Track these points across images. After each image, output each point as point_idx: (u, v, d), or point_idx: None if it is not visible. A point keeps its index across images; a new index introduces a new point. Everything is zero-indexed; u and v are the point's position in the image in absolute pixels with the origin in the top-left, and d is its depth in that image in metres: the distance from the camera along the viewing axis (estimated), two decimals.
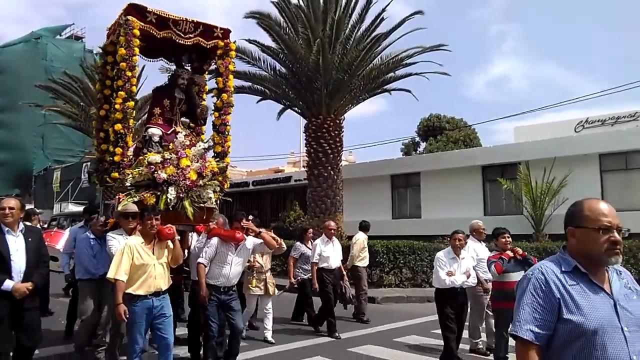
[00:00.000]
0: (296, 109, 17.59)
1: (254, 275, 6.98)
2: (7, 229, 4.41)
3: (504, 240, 5.82)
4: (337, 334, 7.21)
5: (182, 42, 6.25)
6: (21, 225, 4.56)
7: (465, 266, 5.92)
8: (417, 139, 39.01)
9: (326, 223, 8.09)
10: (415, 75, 16.08)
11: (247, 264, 6.52)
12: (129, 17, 5.82)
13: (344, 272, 8.16)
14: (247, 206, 24.13)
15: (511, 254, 5.67)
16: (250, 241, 5.63)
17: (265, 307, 7.06)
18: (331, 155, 15.98)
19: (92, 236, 5.81)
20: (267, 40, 15.78)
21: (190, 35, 6.26)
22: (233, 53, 6.74)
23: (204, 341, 5.54)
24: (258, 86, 17.02)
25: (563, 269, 1.98)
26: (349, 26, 15.38)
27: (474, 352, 6.43)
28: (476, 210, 17.47)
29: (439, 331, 6.05)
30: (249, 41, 15.33)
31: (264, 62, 16.22)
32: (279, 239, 5.93)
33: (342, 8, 15.18)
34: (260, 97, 17.73)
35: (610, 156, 15.16)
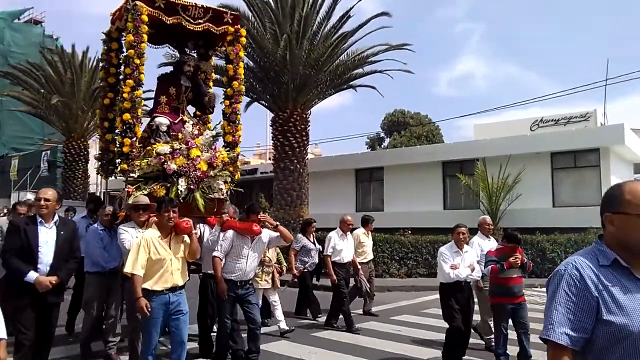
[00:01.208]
0: (263, 102, 17.77)
1: (263, 268, 6.86)
2: (40, 219, 4.31)
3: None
4: (355, 328, 7.15)
5: (192, 28, 6.02)
6: (56, 217, 4.45)
7: (469, 260, 5.80)
8: (382, 133, 39.75)
9: (345, 217, 7.85)
10: (383, 71, 16.53)
11: None
12: (137, 2, 5.60)
13: (359, 267, 8.01)
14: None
15: (516, 261, 5.48)
16: (266, 234, 5.40)
17: (273, 300, 6.98)
18: (297, 149, 16.27)
19: (100, 228, 5.54)
20: None
21: (199, 20, 6.04)
22: (244, 39, 6.52)
23: (218, 339, 5.37)
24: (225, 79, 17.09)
25: (601, 263, 1.73)
26: (316, 22, 15.66)
27: (489, 350, 6.22)
28: (436, 204, 18.19)
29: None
30: None
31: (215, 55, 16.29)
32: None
33: (309, 4, 15.43)
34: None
35: (561, 154, 16.05)
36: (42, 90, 22.58)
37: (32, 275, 4.17)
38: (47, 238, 4.31)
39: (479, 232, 6.88)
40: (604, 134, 15.85)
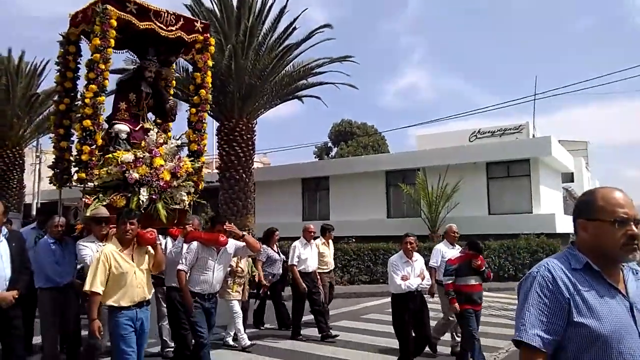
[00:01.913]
0: (208, 111, 17.69)
1: (234, 279, 6.71)
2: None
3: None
4: (328, 333, 7.16)
5: (164, 34, 5.89)
6: (4, 230, 4.26)
7: (419, 268, 5.76)
8: (330, 143, 40.27)
9: (306, 226, 7.80)
10: (327, 83, 16.90)
11: (228, 268, 6.27)
12: (107, 6, 5.39)
13: (318, 277, 7.83)
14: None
15: (478, 263, 5.59)
16: (232, 244, 5.19)
17: (235, 312, 6.77)
18: (243, 158, 16.28)
19: (51, 240, 5.17)
20: None
21: (171, 27, 5.94)
22: (212, 48, 6.46)
23: (195, 349, 5.08)
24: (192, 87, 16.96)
25: (572, 266, 1.73)
26: (262, 33, 15.79)
27: (455, 355, 6.19)
28: (380, 212, 18.67)
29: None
30: None
31: (175, 63, 16.17)
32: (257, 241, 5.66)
33: (255, 15, 15.56)
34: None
35: (496, 165, 16.92)
36: None
37: None
38: (0, 252, 4.15)
39: (444, 239, 6.95)
40: (533, 146, 16.85)
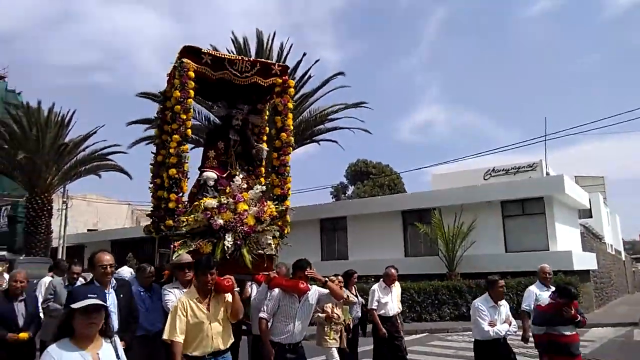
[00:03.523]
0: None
1: (332, 326, 6.45)
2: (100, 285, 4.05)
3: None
4: None
5: (238, 82, 5.96)
6: (113, 281, 4.37)
7: (505, 313, 5.46)
8: (346, 182, 40.86)
9: (389, 271, 7.50)
10: (346, 122, 17.64)
11: (323, 314, 6.26)
12: (184, 60, 5.66)
13: (400, 322, 7.59)
14: None
15: (572, 312, 5.20)
16: (315, 292, 4.96)
17: None
18: None
19: (141, 289, 5.16)
20: None
21: (246, 74, 5.99)
22: (292, 90, 6.44)
23: None
24: (193, 135, 17.87)
25: None
26: None
27: None
28: (398, 251, 18.91)
29: None
30: None
31: (199, 113, 17.22)
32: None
33: None
34: (193, 145, 18.55)
35: (510, 203, 17.19)
36: (6, 146, 22.64)
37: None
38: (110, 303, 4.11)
39: (537, 281, 6.48)
40: (547, 184, 17.13)
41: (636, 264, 56.03)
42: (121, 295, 4.23)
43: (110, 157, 24.62)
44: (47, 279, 7.80)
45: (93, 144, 24.28)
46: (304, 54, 16.47)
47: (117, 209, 38.21)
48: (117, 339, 2.79)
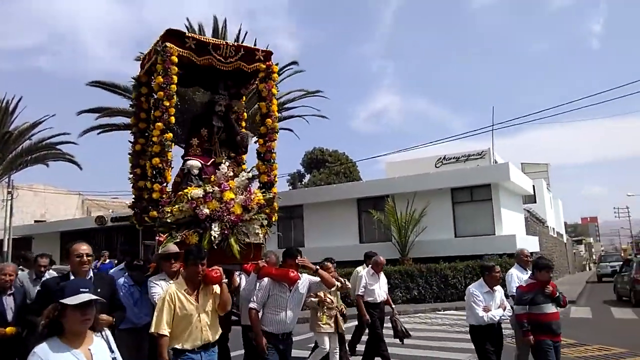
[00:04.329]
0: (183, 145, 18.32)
1: (325, 311, 6.43)
2: (73, 278, 3.88)
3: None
4: None
5: (222, 67, 5.79)
6: (90, 273, 4.08)
7: (499, 298, 5.48)
8: (302, 170, 41.10)
9: (378, 259, 7.48)
10: (302, 110, 17.82)
11: (316, 299, 6.23)
12: (167, 44, 5.41)
13: (393, 306, 7.64)
14: (134, 240, 23.83)
15: (551, 289, 5.22)
16: (306, 280, 4.87)
17: (334, 348, 6.39)
18: None
19: (131, 282, 5.00)
20: None
21: (230, 59, 5.83)
22: (276, 76, 6.27)
23: None
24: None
25: None
26: None
27: None
28: (353, 238, 19.39)
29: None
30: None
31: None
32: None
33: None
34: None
35: (460, 190, 17.92)
36: None
37: None
38: None
39: (515, 264, 6.55)
40: (493, 172, 17.96)
41: (577, 246, 59.41)
42: (99, 290, 3.92)
43: (59, 146, 23.82)
44: None
45: (39, 132, 23.44)
46: (255, 42, 16.40)
47: (67, 199, 37.00)
48: (107, 332, 2.67)
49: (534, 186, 23.95)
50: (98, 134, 17.90)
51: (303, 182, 39.59)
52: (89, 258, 3.91)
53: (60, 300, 2.31)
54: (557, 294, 5.26)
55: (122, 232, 24.71)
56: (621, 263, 19.98)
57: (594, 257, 64.06)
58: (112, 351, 2.55)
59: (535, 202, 27.31)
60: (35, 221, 33.56)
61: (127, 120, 17.68)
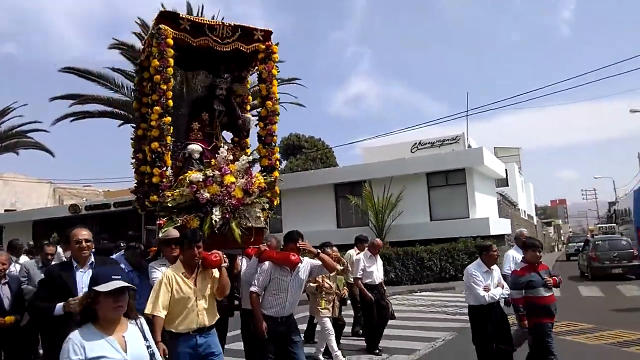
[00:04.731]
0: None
1: (323, 295, 6.52)
2: (76, 264, 3.86)
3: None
4: (377, 351, 7.00)
5: (220, 48, 5.64)
6: (92, 259, 3.99)
7: (497, 277, 5.46)
8: (279, 156, 41.05)
9: (375, 240, 7.68)
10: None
11: (315, 284, 6.27)
12: (161, 26, 5.27)
13: (384, 288, 7.71)
14: (108, 229, 23.60)
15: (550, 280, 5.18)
16: (307, 263, 4.87)
17: (328, 330, 6.48)
18: None
19: (129, 267, 4.95)
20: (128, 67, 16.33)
21: (228, 40, 5.65)
22: (276, 56, 6.04)
23: None
24: (121, 111, 17.33)
25: None
26: None
27: None
28: (330, 223, 19.63)
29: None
30: (113, 69, 15.72)
31: (127, 88, 16.65)
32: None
33: None
34: (122, 122, 18.01)
35: (435, 174, 18.29)
36: None
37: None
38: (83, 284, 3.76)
39: (515, 245, 6.44)
40: (467, 157, 18.36)
41: (546, 228, 61.13)
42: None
43: (30, 134, 23.28)
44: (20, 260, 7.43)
45: (9, 119, 22.86)
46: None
47: (38, 188, 36.20)
48: (142, 320, 2.68)
49: (506, 170, 24.56)
50: (71, 121, 17.57)
51: (279, 169, 39.58)
52: (88, 244, 3.84)
53: (93, 288, 2.36)
54: (557, 279, 5.25)
55: (97, 221, 24.41)
56: (582, 243, 20.99)
57: (562, 238, 66.02)
58: (146, 339, 2.54)
59: (507, 185, 27.99)
60: (6, 210, 32.81)
61: (101, 108, 17.44)
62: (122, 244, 8.85)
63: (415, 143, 24.85)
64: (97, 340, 2.32)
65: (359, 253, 7.88)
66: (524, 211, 34.26)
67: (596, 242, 17.17)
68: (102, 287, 2.32)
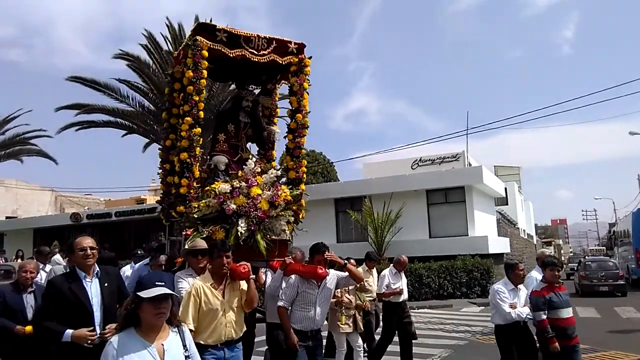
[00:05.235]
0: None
1: (343, 311, 6.31)
2: (83, 274, 3.68)
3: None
4: None
5: (256, 59, 5.66)
6: (96, 268, 3.80)
7: (524, 297, 5.33)
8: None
9: (401, 257, 7.40)
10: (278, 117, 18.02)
11: (334, 299, 5.95)
12: (198, 37, 5.30)
13: (407, 307, 7.41)
14: (109, 238, 23.69)
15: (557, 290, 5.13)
16: (333, 275, 4.77)
17: (356, 345, 6.34)
18: None
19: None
20: (133, 76, 16.63)
21: (263, 52, 5.68)
22: (308, 69, 5.99)
23: None
24: (125, 121, 17.55)
25: None
26: None
27: None
28: (330, 237, 19.67)
29: None
30: (119, 80, 15.98)
31: (132, 99, 16.90)
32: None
33: None
34: (126, 132, 18.22)
35: (435, 192, 18.40)
36: None
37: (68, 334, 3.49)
38: (93, 294, 3.67)
39: (537, 266, 6.34)
40: (467, 175, 18.49)
41: (547, 247, 60.99)
42: (105, 285, 3.74)
43: (33, 140, 23.49)
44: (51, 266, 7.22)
45: (14, 127, 23.08)
46: None
47: (40, 196, 36.34)
48: (185, 328, 2.65)
49: (505, 189, 24.65)
50: (76, 130, 17.77)
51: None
52: (93, 251, 3.73)
53: (137, 293, 2.39)
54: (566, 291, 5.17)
55: (98, 230, 24.51)
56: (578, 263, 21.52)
57: (563, 258, 65.89)
58: (186, 349, 2.54)
59: (507, 204, 28.08)
60: (7, 217, 32.90)
61: (106, 118, 17.66)
62: (139, 252, 8.97)
63: (416, 160, 24.98)
64: (136, 344, 2.36)
65: (367, 270, 7.68)
66: (524, 230, 34.28)
67: (586, 263, 18.64)
68: (145, 293, 2.35)
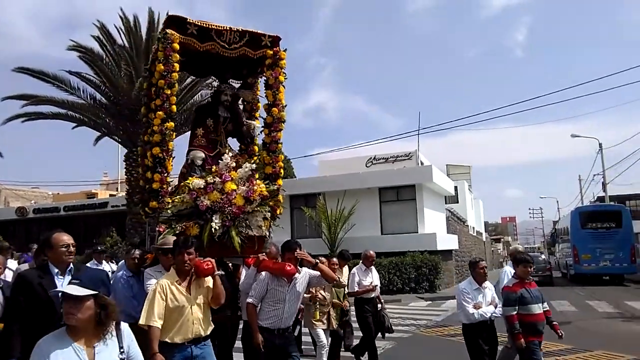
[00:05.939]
0: (116, 137, 18.00)
1: (317, 307, 6.31)
2: (56, 270, 3.54)
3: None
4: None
5: (227, 54, 5.58)
6: (70, 265, 3.70)
7: (490, 295, 5.38)
8: None
9: (368, 252, 7.37)
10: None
11: (308, 295, 5.99)
12: (168, 30, 5.24)
13: (382, 301, 7.46)
14: None
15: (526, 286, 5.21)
16: (305, 274, 4.72)
17: (322, 343, 6.28)
18: None
19: (128, 273, 4.84)
20: (84, 68, 16.26)
21: (235, 45, 5.58)
22: (284, 62, 5.89)
23: None
24: (75, 114, 17.13)
25: None
26: None
27: None
28: (285, 234, 19.79)
29: None
30: (70, 72, 15.61)
31: (83, 91, 16.53)
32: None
33: None
34: (76, 124, 17.80)
35: (387, 189, 18.91)
36: None
37: None
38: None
39: (509, 261, 6.37)
40: (417, 173, 19.10)
41: (495, 244, 63.33)
42: (80, 280, 3.64)
43: None
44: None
45: None
46: None
47: None
48: (124, 327, 2.55)
49: (456, 187, 25.56)
50: (23, 122, 17.18)
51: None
52: (74, 248, 3.63)
53: (51, 290, 2.31)
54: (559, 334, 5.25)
55: (45, 225, 23.76)
56: None
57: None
58: (122, 350, 2.45)
59: (457, 202, 29.08)
60: None
61: (55, 109, 17.16)
62: (99, 247, 9.00)
63: (370, 158, 25.49)
64: (64, 347, 2.25)
65: (338, 268, 7.35)
66: (473, 227, 35.53)
67: None
68: (53, 292, 2.34)
